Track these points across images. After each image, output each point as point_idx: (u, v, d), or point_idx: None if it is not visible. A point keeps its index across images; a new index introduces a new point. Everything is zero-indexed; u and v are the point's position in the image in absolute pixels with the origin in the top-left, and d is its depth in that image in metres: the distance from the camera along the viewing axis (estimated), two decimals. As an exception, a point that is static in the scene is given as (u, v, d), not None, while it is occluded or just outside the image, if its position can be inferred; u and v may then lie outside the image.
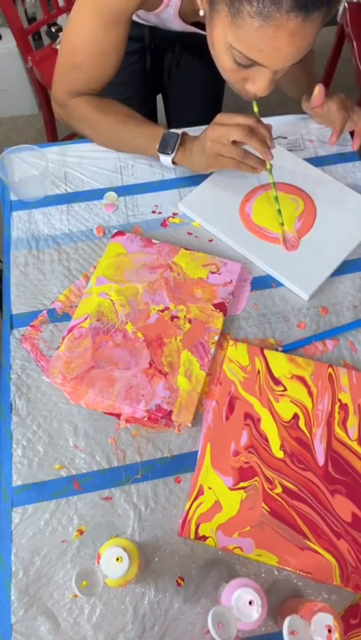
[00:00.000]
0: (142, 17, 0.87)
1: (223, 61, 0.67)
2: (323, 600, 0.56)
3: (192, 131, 0.82)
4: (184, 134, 0.80)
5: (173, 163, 0.81)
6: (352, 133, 0.87)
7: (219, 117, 0.74)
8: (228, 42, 0.63)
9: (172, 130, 0.80)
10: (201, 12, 0.68)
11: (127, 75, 1.04)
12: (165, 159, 0.81)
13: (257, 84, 0.67)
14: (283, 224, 0.79)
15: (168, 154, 0.80)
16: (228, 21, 0.61)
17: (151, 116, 1.18)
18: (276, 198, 0.79)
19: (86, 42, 0.76)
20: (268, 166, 0.76)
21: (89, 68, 0.79)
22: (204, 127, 0.76)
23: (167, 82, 1.14)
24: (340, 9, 1.60)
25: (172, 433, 0.65)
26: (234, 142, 0.72)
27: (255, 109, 0.76)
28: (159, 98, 1.20)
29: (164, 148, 0.80)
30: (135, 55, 1.02)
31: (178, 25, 0.82)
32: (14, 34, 1.42)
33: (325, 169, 0.87)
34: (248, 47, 0.61)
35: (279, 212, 0.79)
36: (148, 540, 0.59)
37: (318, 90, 0.80)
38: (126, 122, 0.83)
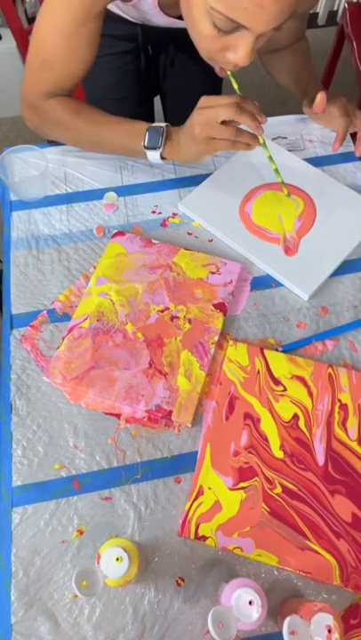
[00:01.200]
0: (122, 9, 0.85)
1: (202, 27, 0.63)
2: (323, 600, 0.56)
3: None
4: (168, 126, 0.77)
5: (162, 158, 0.78)
6: (353, 135, 0.87)
7: (202, 101, 0.71)
8: (208, 3, 0.59)
9: (156, 124, 0.77)
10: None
11: (121, 75, 1.03)
12: (153, 155, 0.78)
13: (238, 52, 0.64)
14: (288, 194, 0.79)
15: (155, 149, 0.77)
16: None
17: (148, 116, 1.17)
18: (271, 158, 0.78)
19: (57, 37, 0.73)
20: (261, 140, 0.74)
21: (60, 64, 0.76)
22: None
23: (163, 82, 1.13)
24: (341, 9, 1.60)
25: (172, 433, 0.65)
26: (222, 123, 0.70)
27: (235, 87, 0.73)
28: (157, 98, 1.20)
29: (150, 144, 0.77)
30: (129, 55, 1.01)
31: (160, 19, 0.80)
32: (14, 34, 1.43)
33: (325, 169, 0.87)
34: (230, 6, 0.58)
35: (270, 158, 0.77)
36: (148, 540, 0.59)
37: (320, 97, 0.80)
38: (105, 122, 0.80)
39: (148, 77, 1.08)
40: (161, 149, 0.76)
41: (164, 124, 0.77)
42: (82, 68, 0.77)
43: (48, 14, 0.73)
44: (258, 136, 0.72)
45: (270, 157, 0.77)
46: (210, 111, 0.69)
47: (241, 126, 0.71)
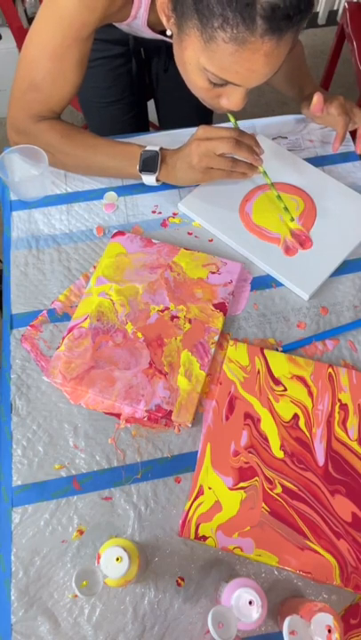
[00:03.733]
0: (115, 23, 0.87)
1: (196, 81, 0.66)
2: (323, 600, 0.56)
3: (184, 133, 0.81)
4: (162, 149, 0.78)
5: (157, 180, 0.80)
6: (353, 133, 0.87)
7: (201, 132, 0.73)
8: (202, 64, 0.62)
9: (149, 147, 0.78)
10: (168, 32, 0.67)
11: (112, 78, 1.03)
12: (149, 179, 0.80)
13: (231, 100, 0.67)
14: (293, 219, 0.79)
15: (151, 173, 0.78)
16: (200, 46, 0.60)
17: (140, 119, 1.17)
18: (279, 197, 0.79)
19: (46, 59, 0.72)
20: (261, 170, 0.77)
21: (49, 86, 0.75)
22: (194, 129, 0.75)
23: (156, 87, 1.13)
24: (340, 9, 1.60)
25: (172, 433, 0.65)
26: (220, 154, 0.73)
27: (232, 121, 0.77)
28: (152, 101, 1.20)
29: (145, 168, 0.78)
30: (120, 58, 1.01)
31: (148, 34, 0.81)
32: (14, 34, 1.42)
33: (325, 169, 0.87)
34: (223, 70, 0.61)
35: (286, 209, 0.79)
36: (148, 539, 0.59)
37: (317, 99, 0.80)
38: (97, 145, 0.80)
39: (140, 81, 1.08)
40: (157, 174, 0.78)
41: (157, 148, 0.78)
42: (71, 90, 0.77)
43: (36, 36, 0.72)
44: (258, 166, 0.75)
45: (272, 184, 0.79)
46: (209, 144, 0.72)
47: None
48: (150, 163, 0.78)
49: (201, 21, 0.58)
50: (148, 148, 0.78)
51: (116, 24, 0.81)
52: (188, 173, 0.77)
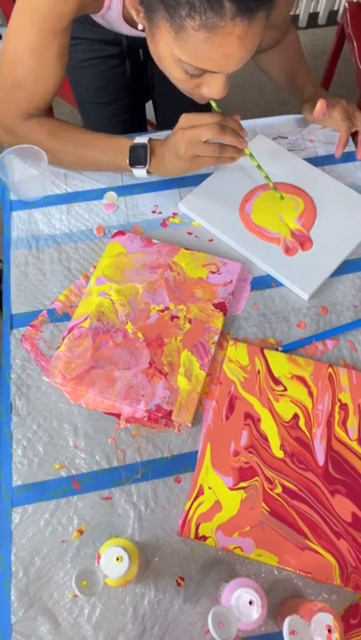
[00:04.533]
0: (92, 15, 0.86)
1: (174, 74, 0.66)
2: (323, 600, 0.56)
3: None
4: (151, 141, 0.78)
5: (148, 172, 0.79)
6: (354, 135, 0.87)
7: (183, 121, 0.73)
8: (176, 55, 0.61)
9: (138, 140, 0.78)
10: (139, 27, 0.66)
11: (106, 79, 1.03)
12: (139, 172, 0.79)
13: (212, 88, 0.66)
14: (282, 197, 0.79)
15: (141, 166, 0.78)
16: (171, 36, 0.59)
17: (137, 121, 1.16)
18: (267, 177, 0.79)
19: (26, 56, 0.72)
20: (247, 152, 0.75)
21: (32, 82, 0.74)
22: None
23: (153, 87, 1.13)
24: (341, 9, 1.60)
25: (172, 433, 0.65)
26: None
27: (213, 105, 0.75)
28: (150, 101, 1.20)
29: (135, 162, 0.78)
30: (114, 59, 1.00)
31: (125, 29, 0.80)
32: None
33: (325, 169, 0.87)
34: (197, 58, 0.60)
35: (259, 167, 0.78)
36: (148, 539, 0.59)
37: (320, 105, 0.80)
38: (86, 141, 0.80)
39: (136, 82, 1.07)
40: (147, 166, 0.78)
41: (146, 140, 0.77)
42: (54, 84, 0.77)
43: (15, 34, 0.72)
44: (244, 149, 0.74)
45: (259, 166, 0.78)
46: (193, 131, 0.71)
47: None
48: (140, 156, 0.77)
49: (168, 12, 0.56)
50: (136, 140, 0.77)
51: (94, 17, 0.80)
52: (177, 163, 0.75)
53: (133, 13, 0.64)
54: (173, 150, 0.74)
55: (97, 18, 0.80)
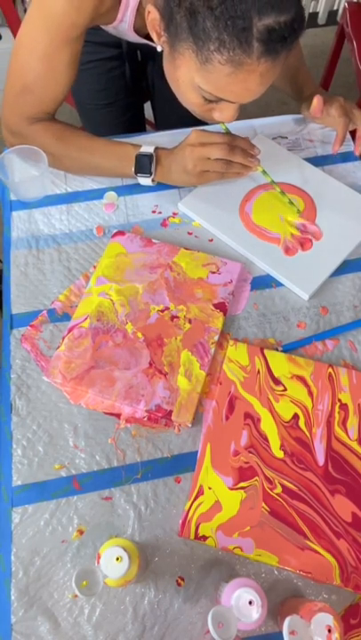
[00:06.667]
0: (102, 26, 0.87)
1: (190, 98, 0.68)
2: (323, 600, 0.56)
3: (183, 133, 0.80)
4: (157, 150, 0.78)
5: (152, 181, 0.80)
6: (353, 134, 0.87)
7: (194, 137, 0.74)
8: (196, 83, 0.63)
9: (144, 150, 0.78)
10: (159, 48, 0.68)
11: (106, 81, 1.03)
12: (145, 181, 0.80)
13: (224, 114, 0.68)
14: (299, 211, 0.80)
15: (147, 176, 0.79)
16: (195, 66, 0.61)
17: (136, 121, 1.17)
18: (283, 192, 0.80)
19: (37, 61, 0.72)
20: (260, 169, 0.77)
21: (41, 88, 0.75)
22: (190, 129, 0.76)
23: (152, 89, 1.13)
24: (341, 9, 1.60)
25: (172, 433, 0.65)
26: None
27: (223, 127, 0.77)
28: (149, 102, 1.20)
29: (141, 170, 0.79)
30: (115, 61, 1.00)
31: (132, 37, 0.81)
32: (14, 34, 1.42)
33: (325, 169, 0.87)
34: (218, 89, 0.63)
35: (291, 202, 0.79)
36: (148, 539, 0.59)
37: (317, 101, 0.80)
38: (92, 146, 0.80)
39: (135, 83, 1.08)
40: (153, 176, 0.79)
41: (152, 150, 0.78)
42: (63, 90, 0.77)
43: (26, 38, 0.72)
44: (257, 165, 0.77)
45: (273, 182, 0.80)
46: (203, 149, 0.73)
47: None
48: (145, 165, 0.78)
49: (197, 44, 0.58)
50: (142, 149, 0.78)
51: (104, 27, 0.81)
52: (183, 177, 0.78)
53: (154, 36, 0.66)
54: (181, 164, 0.76)
55: (108, 28, 0.81)
